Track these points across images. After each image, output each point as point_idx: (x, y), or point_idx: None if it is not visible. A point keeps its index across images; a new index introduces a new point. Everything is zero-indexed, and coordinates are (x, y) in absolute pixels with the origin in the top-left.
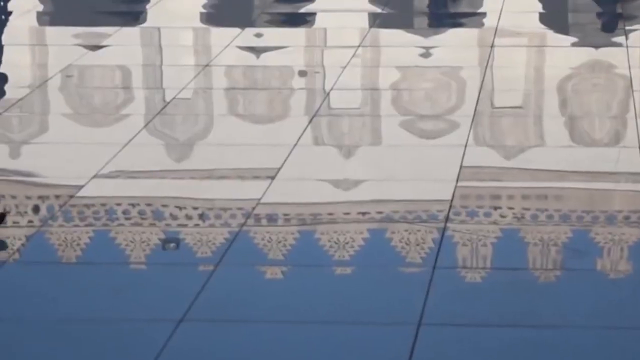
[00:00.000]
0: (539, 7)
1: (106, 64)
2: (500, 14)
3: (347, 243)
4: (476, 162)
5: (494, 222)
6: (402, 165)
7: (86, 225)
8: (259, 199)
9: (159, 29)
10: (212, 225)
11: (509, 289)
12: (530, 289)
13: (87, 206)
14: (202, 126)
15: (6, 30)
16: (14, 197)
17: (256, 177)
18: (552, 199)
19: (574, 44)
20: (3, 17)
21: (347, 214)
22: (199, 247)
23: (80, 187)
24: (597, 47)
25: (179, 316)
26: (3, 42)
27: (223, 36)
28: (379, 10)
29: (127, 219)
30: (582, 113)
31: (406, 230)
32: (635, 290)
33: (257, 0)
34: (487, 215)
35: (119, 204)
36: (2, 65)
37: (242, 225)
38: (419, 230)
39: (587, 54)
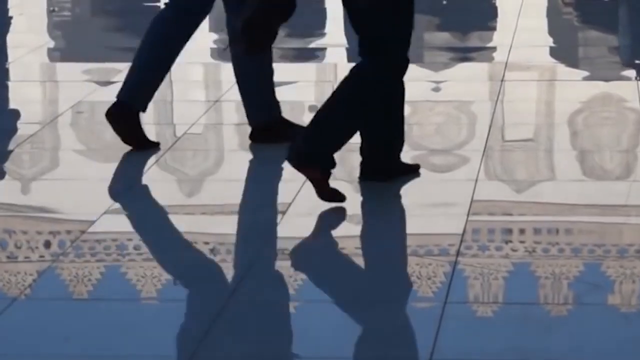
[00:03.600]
0: (550, 41)
1: None
2: (511, 48)
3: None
4: (487, 196)
5: (506, 256)
6: (413, 199)
7: (97, 261)
8: (271, 234)
9: None
10: (223, 260)
11: (520, 323)
12: (542, 323)
13: (99, 242)
14: (213, 161)
15: (17, 66)
16: (25, 232)
17: (267, 212)
18: (564, 232)
19: (584, 78)
20: None
21: (359, 248)
22: (210, 282)
23: (92, 222)
24: (607, 80)
25: (190, 353)
26: None
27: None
28: None
29: (138, 254)
30: (593, 147)
31: (417, 264)
32: None
33: None
34: (498, 249)
35: (130, 240)
36: (13, 101)
37: (254, 260)
38: (430, 264)
39: (598, 88)
